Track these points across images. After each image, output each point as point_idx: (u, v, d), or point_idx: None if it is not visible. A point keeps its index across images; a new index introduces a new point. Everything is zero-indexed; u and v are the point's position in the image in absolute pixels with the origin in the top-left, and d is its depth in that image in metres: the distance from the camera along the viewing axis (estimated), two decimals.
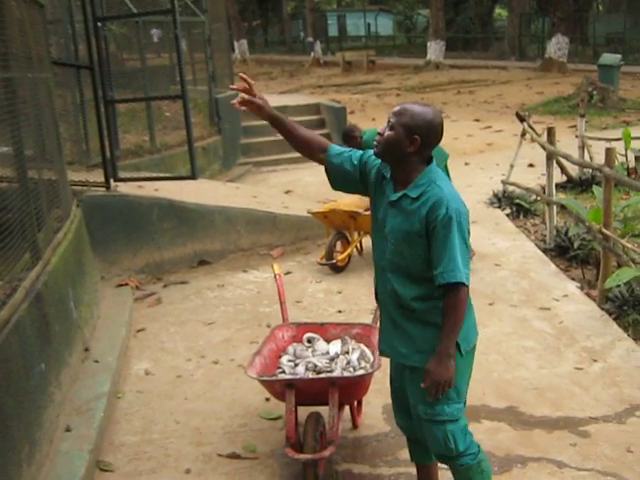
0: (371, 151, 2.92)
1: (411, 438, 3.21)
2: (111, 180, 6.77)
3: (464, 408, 2.94)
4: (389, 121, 2.78)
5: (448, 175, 6.24)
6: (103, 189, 6.67)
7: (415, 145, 2.72)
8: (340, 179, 3.01)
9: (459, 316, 2.69)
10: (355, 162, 2.96)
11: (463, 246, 2.69)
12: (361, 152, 2.99)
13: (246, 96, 2.91)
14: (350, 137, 6.23)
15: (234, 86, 3.01)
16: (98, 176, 6.80)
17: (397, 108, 2.79)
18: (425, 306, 2.80)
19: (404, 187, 2.79)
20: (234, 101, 2.95)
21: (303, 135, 3.01)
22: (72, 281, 4.91)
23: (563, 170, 9.07)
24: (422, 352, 2.81)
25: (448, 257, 2.65)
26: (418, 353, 2.83)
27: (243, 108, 2.96)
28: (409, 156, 2.76)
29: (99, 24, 6.91)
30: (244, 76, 2.96)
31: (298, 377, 3.59)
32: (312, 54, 32.44)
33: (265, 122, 3.05)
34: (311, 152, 3.02)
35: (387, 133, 2.76)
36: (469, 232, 2.75)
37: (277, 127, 3.00)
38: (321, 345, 3.94)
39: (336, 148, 3.02)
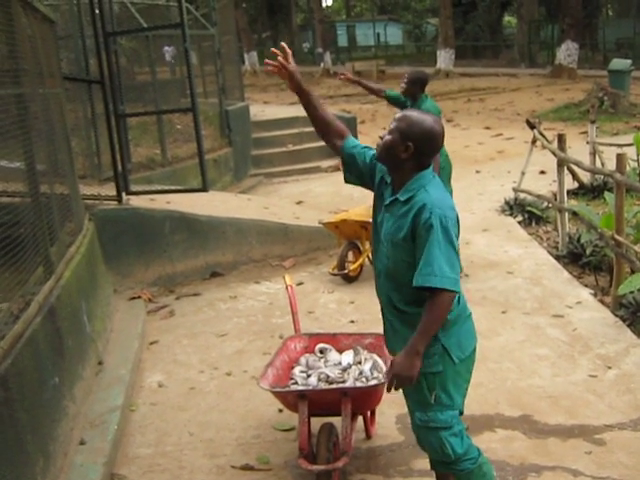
0: None
1: None
2: (123, 193, 6.80)
3: (459, 416, 2.90)
4: (390, 125, 2.82)
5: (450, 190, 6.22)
6: (115, 202, 6.70)
7: (408, 152, 2.75)
8: (352, 171, 3.06)
9: (435, 319, 2.66)
10: (367, 160, 3.00)
11: (449, 251, 2.65)
12: (374, 151, 2.99)
13: (282, 60, 2.98)
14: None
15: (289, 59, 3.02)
16: (110, 190, 6.84)
17: (399, 114, 2.84)
18: (416, 310, 2.77)
19: (398, 192, 2.83)
20: (267, 61, 3.05)
21: (326, 116, 3.07)
22: (85, 295, 4.94)
23: (574, 177, 9.03)
24: None
25: (425, 261, 2.64)
26: None
27: (271, 68, 3.03)
28: (404, 162, 2.79)
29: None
30: (284, 45, 3.09)
31: (310, 388, 3.59)
32: (322, 65, 32.48)
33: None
34: (329, 136, 3.08)
35: (386, 137, 2.81)
36: (457, 236, 2.73)
37: (303, 100, 3.05)
38: (333, 356, 3.93)
39: (353, 140, 3.08)
